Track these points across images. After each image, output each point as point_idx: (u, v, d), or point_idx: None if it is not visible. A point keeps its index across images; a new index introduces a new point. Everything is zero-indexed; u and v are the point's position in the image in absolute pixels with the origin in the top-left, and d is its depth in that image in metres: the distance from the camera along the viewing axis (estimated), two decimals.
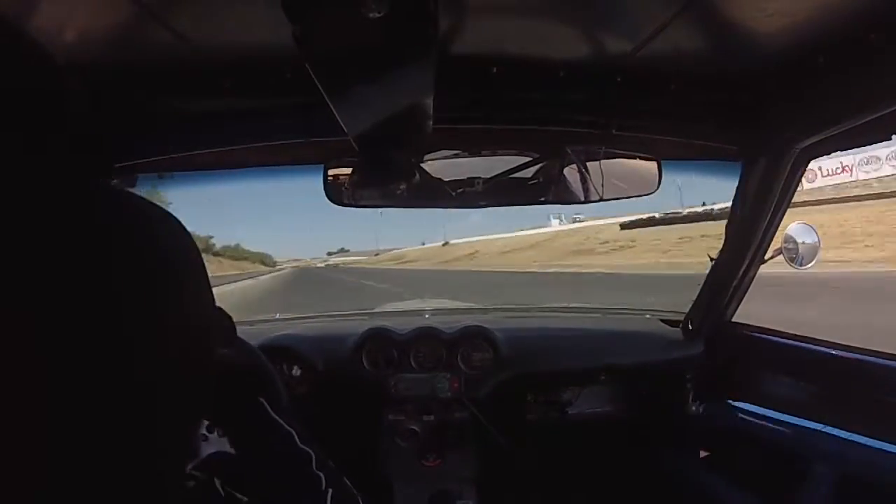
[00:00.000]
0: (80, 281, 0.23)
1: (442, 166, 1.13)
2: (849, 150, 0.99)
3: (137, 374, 0.25)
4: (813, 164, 1.16)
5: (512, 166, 1.14)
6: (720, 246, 1.31)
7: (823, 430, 1.08)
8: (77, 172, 0.28)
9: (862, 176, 20.01)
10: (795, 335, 1.28)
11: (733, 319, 1.43)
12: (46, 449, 0.22)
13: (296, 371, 1.43)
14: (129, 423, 0.24)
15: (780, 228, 1.23)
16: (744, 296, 1.37)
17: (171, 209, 0.29)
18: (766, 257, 1.27)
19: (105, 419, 0.24)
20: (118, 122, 1.01)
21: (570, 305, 2.44)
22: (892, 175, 18.79)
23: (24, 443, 0.22)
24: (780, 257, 1.26)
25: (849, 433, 1.03)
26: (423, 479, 1.45)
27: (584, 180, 1.14)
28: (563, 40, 0.86)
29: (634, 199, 1.17)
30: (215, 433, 1.02)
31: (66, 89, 0.31)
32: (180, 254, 0.28)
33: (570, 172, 1.15)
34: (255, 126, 1.07)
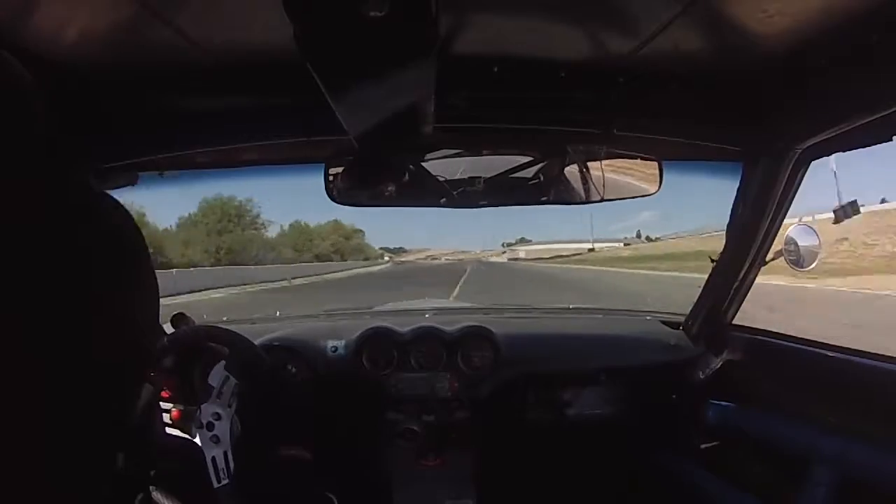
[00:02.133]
0: (46, 261, 0.26)
1: (443, 166, 1.13)
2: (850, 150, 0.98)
3: (93, 335, 0.28)
4: None
5: (513, 166, 1.14)
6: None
7: (823, 432, 1.08)
8: (58, 170, 0.30)
9: None
10: (795, 337, 1.28)
11: (734, 321, 1.43)
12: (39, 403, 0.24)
13: (296, 370, 1.43)
14: (85, 376, 0.27)
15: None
16: (744, 298, 1.37)
17: None
18: (767, 259, 1.27)
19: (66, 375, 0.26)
20: (119, 120, 1.02)
21: (571, 306, 2.43)
22: None
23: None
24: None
25: (848, 435, 1.02)
26: (422, 479, 1.45)
27: (585, 180, 1.14)
28: (564, 40, 0.86)
29: None
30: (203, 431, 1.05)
31: (49, 91, 0.33)
32: (127, 233, 0.33)
33: (572, 173, 1.15)
34: (255, 125, 1.07)
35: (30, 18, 0.71)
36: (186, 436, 1.02)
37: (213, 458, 1.02)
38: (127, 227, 0.32)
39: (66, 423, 0.26)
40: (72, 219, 0.28)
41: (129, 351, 0.31)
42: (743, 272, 1.29)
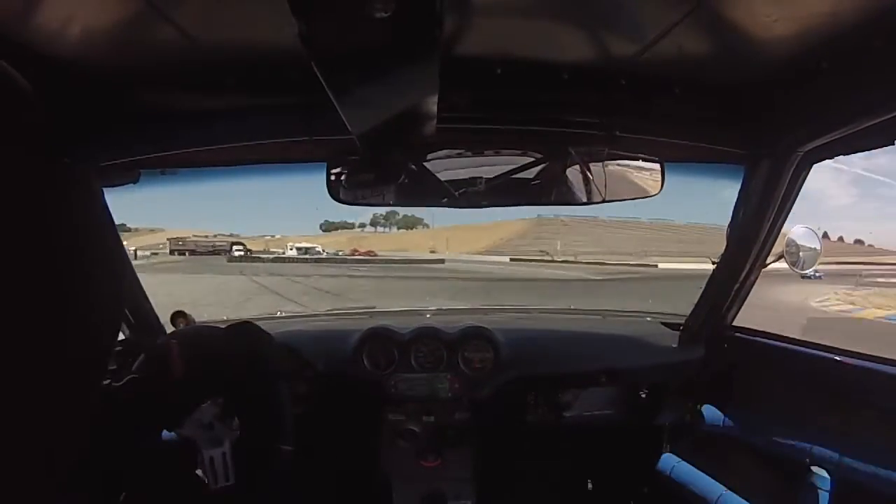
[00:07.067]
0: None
1: (445, 165, 1.13)
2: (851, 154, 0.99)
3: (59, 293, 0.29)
4: None
5: (515, 166, 1.15)
6: None
7: (821, 434, 1.08)
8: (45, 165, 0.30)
9: None
10: (795, 340, 1.28)
11: (734, 323, 1.43)
12: None
13: (295, 368, 1.43)
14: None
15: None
16: (745, 300, 1.37)
17: None
18: (768, 261, 1.27)
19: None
20: (121, 118, 1.01)
21: (572, 307, 2.43)
22: None
23: None
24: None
25: (847, 438, 1.03)
26: (421, 480, 1.45)
27: (586, 182, 1.14)
28: (567, 42, 0.86)
29: None
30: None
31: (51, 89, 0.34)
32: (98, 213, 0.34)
33: (573, 174, 1.15)
34: (258, 123, 1.07)
35: (31, 17, 0.71)
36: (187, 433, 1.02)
37: (212, 459, 1.02)
38: (99, 217, 0.33)
39: (37, 394, 0.26)
40: (49, 211, 0.29)
41: (98, 335, 0.31)
42: (744, 274, 1.29)
